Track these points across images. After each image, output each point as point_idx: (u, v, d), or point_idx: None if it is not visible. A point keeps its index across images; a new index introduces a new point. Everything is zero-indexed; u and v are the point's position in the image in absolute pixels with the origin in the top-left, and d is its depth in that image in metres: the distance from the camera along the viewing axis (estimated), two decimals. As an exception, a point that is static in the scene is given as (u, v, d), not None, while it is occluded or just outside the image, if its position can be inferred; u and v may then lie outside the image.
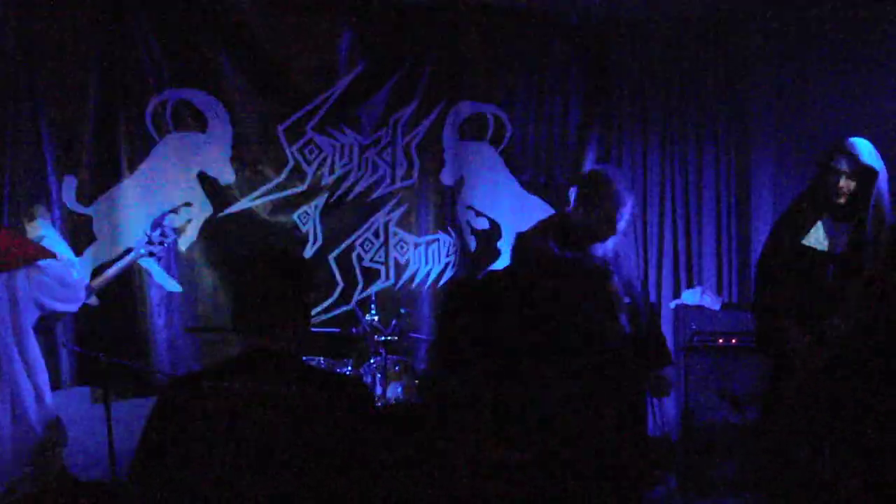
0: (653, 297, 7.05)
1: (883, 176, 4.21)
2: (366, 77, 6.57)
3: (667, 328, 6.92)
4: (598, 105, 7.05)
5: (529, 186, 6.90)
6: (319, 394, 2.45)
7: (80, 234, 6.03)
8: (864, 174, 4.20)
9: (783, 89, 6.87)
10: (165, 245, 5.38)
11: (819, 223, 4.33)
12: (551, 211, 6.87)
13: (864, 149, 4.23)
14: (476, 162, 6.83)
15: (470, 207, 6.83)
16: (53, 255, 4.28)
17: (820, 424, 3.85)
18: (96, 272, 5.85)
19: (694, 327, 6.38)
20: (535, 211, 6.89)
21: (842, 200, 4.25)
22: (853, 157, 4.21)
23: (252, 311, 2.58)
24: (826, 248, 4.30)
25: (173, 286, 6.21)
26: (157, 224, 5.72)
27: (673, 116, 7.14)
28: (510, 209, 6.87)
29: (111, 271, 5.21)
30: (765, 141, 6.98)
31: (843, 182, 4.22)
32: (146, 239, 5.33)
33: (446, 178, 6.75)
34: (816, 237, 4.33)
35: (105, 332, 5.90)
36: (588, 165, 7.01)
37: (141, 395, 5.84)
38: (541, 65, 6.94)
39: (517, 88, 6.91)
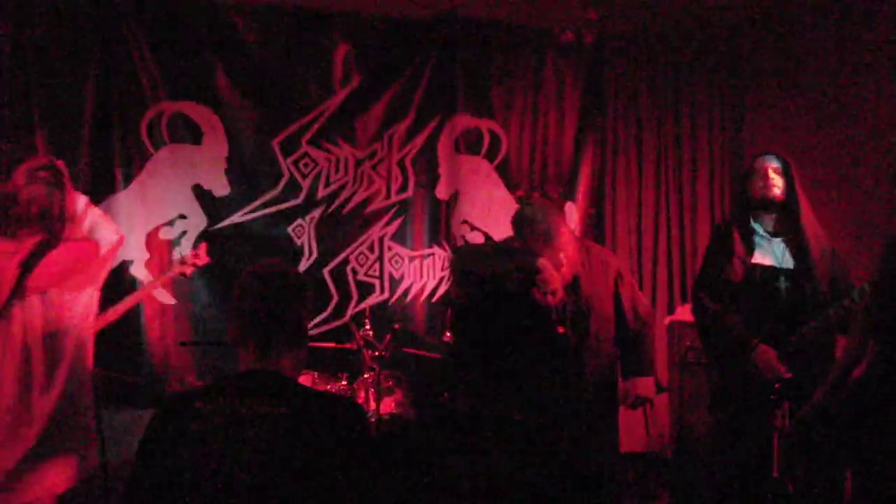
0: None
1: (796, 170, 4.48)
2: (361, 91, 6.58)
3: (661, 344, 6.94)
4: (593, 120, 7.08)
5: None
6: (314, 415, 2.42)
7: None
8: (783, 166, 4.45)
9: (780, 105, 6.88)
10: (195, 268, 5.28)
11: (763, 238, 4.42)
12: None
13: (775, 153, 4.55)
14: (471, 176, 6.84)
15: (465, 222, 6.83)
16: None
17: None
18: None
19: (688, 343, 6.38)
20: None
21: (777, 191, 4.43)
22: (773, 155, 4.51)
23: (251, 330, 2.55)
24: (773, 263, 4.38)
25: (167, 299, 6.19)
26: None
27: (668, 132, 7.16)
28: (505, 224, 6.83)
29: (124, 304, 5.13)
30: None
31: (771, 176, 4.43)
32: (179, 259, 5.27)
33: (441, 192, 6.76)
34: (762, 251, 4.41)
35: (98, 345, 5.87)
36: (583, 180, 7.03)
37: (134, 407, 5.83)
38: (536, 80, 6.97)
39: (513, 103, 6.93)
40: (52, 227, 3.83)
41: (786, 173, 4.43)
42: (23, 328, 3.73)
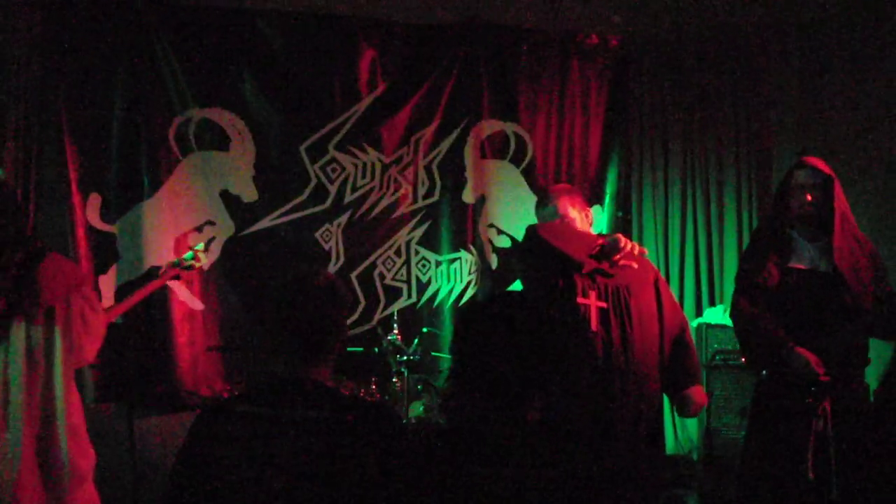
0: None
1: (838, 184, 4.34)
2: (387, 96, 6.60)
3: (689, 346, 6.92)
4: (619, 124, 7.07)
5: (550, 205, 6.90)
6: (352, 421, 2.44)
7: (104, 252, 6.07)
8: (825, 184, 4.32)
9: (805, 108, 6.85)
10: (194, 268, 5.31)
11: (799, 243, 4.39)
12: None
13: (819, 162, 4.40)
14: (497, 180, 6.84)
15: (491, 226, 6.84)
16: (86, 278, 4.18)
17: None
18: (121, 291, 5.93)
19: (716, 346, 6.36)
20: (556, 229, 6.90)
21: (810, 210, 4.34)
22: (813, 170, 4.35)
23: (291, 338, 2.56)
24: (809, 266, 4.35)
25: (196, 304, 6.23)
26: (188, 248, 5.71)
27: (694, 135, 7.13)
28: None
29: (136, 297, 5.16)
30: (786, 158, 6.94)
31: (807, 194, 4.33)
32: (177, 262, 5.30)
33: (468, 196, 6.76)
34: (798, 256, 4.38)
35: (128, 351, 5.92)
36: (609, 184, 7.02)
37: (163, 412, 5.88)
38: (561, 84, 6.96)
39: (538, 107, 6.92)
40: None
41: (824, 187, 4.36)
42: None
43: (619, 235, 4.04)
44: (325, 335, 2.57)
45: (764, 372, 4.36)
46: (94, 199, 6.05)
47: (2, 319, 3.58)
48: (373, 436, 2.42)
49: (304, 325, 2.56)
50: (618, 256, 3.98)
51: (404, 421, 5.35)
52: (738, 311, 4.53)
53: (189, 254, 5.02)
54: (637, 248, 4.04)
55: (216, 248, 6.27)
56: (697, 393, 4.28)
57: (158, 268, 6.04)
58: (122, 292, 5.98)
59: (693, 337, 6.64)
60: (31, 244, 3.64)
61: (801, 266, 4.38)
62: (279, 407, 2.45)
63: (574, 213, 4.18)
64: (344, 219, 6.52)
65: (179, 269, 5.11)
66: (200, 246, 5.12)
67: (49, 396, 3.65)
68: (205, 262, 5.30)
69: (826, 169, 4.36)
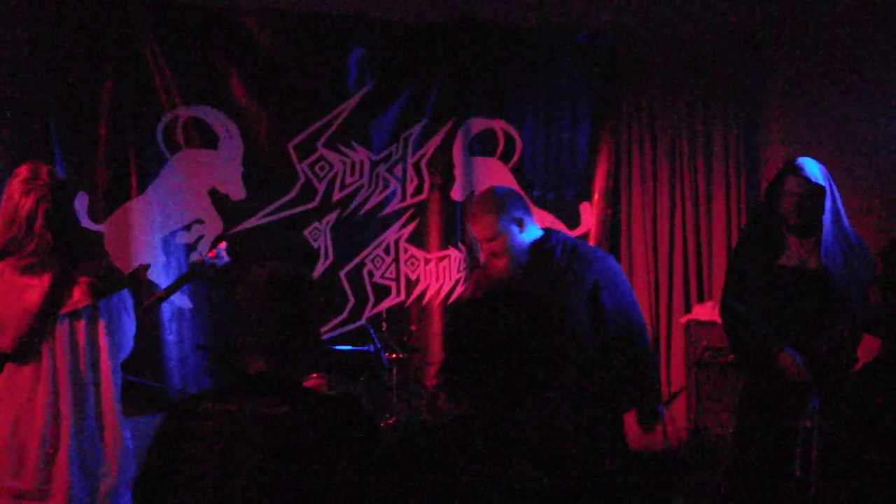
0: (663, 313, 7.05)
1: (829, 194, 4.32)
2: (376, 94, 6.58)
3: (677, 343, 6.94)
4: (608, 121, 7.06)
5: (540, 202, 6.90)
6: (317, 416, 2.47)
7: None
8: (815, 193, 4.31)
9: (795, 106, 6.87)
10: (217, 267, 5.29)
11: (788, 241, 4.39)
12: (561, 226, 6.89)
13: (813, 168, 4.35)
14: (486, 178, 6.81)
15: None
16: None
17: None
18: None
19: (705, 343, 6.37)
20: (545, 226, 6.90)
21: (799, 220, 4.35)
22: (803, 178, 4.32)
23: (258, 334, 2.57)
24: (798, 265, 4.36)
25: (184, 302, 6.22)
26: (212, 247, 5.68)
27: (682, 130, 7.14)
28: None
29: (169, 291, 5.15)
30: (776, 156, 6.96)
31: (797, 202, 4.32)
32: (204, 260, 5.28)
33: (457, 193, 6.76)
34: (788, 254, 4.38)
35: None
36: (598, 181, 7.03)
37: (151, 411, 5.87)
38: (549, 80, 6.95)
39: (527, 105, 6.92)
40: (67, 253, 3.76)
41: (815, 196, 4.34)
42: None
43: None
44: (290, 333, 2.58)
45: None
46: (81, 198, 6.02)
47: (47, 316, 3.65)
48: (339, 433, 2.44)
49: (267, 323, 2.56)
50: None
51: (392, 420, 5.36)
52: (727, 310, 4.55)
53: (220, 253, 5.03)
54: None
55: (205, 247, 6.26)
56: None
57: (147, 266, 6.07)
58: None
59: (682, 333, 6.74)
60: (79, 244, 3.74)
61: (790, 264, 4.40)
62: (244, 404, 2.47)
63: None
64: (332, 217, 6.51)
65: (205, 267, 5.10)
66: (221, 245, 5.13)
67: (95, 393, 3.73)
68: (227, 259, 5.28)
69: (819, 177, 4.34)
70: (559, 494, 2.14)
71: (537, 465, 2.16)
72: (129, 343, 4.02)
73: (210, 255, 5.16)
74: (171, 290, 4.91)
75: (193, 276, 5.06)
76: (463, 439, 2.25)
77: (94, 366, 3.80)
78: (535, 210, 6.76)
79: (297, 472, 2.39)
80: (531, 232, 4.24)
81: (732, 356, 5.86)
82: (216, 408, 2.48)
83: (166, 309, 6.13)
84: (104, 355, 3.82)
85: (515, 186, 6.78)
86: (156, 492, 2.49)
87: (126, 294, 4.01)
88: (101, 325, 3.84)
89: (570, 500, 2.15)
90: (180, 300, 6.17)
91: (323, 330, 6.40)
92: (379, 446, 2.46)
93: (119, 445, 3.91)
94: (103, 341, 3.83)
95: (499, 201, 4.19)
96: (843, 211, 4.41)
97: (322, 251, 6.49)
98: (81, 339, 3.77)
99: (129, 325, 4.03)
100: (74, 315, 3.76)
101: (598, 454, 2.27)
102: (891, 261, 3.26)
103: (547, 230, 4.37)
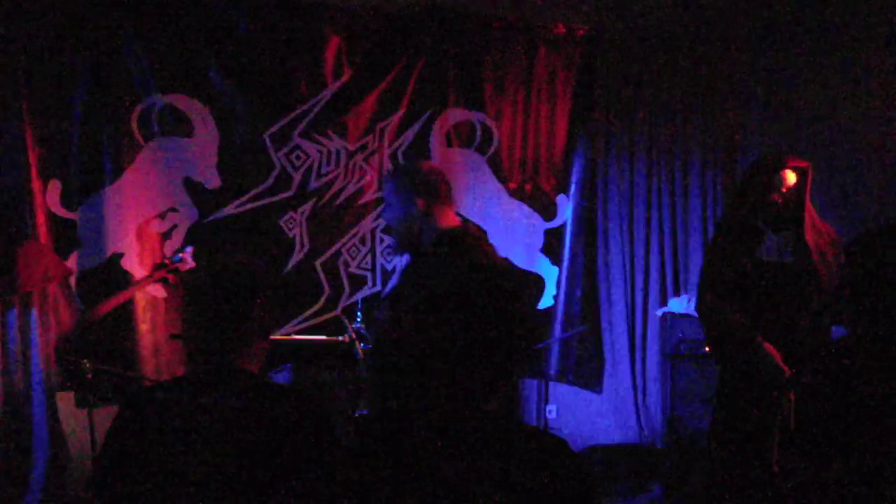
0: (639, 305, 7.07)
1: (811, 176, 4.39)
2: (353, 84, 6.56)
3: (653, 336, 6.95)
4: (585, 114, 7.07)
5: (516, 194, 6.92)
6: (267, 406, 2.48)
7: (64, 240, 6.00)
8: (800, 178, 4.37)
9: (770, 100, 6.89)
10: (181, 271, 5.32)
11: (765, 235, 4.40)
12: (538, 218, 6.89)
13: (793, 159, 4.44)
14: (463, 169, 6.82)
15: (457, 214, 6.80)
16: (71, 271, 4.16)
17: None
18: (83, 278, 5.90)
19: (680, 335, 6.39)
20: (521, 218, 6.91)
21: (787, 210, 4.39)
22: (790, 171, 4.38)
23: (205, 328, 2.60)
24: (776, 258, 4.37)
25: (158, 292, 6.18)
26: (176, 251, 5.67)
27: (659, 125, 7.15)
28: (497, 216, 6.88)
29: (117, 299, 5.13)
30: (751, 150, 6.98)
31: (789, 193, 4.37)
32: (164, 264, 5.30)
33: (433, 184, 6.73)
34: (764, 248, 4.39)
35: (89, 338, 5.86)
36: (575, 173, 7.04)
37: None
38: (528, 73, 6.95)
39: (504, 96, 6.92)
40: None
41: (799, 186, 4.36)
42: None
43: None
44: (239, 324, 2.59)
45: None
46: (55, 186, 5.97)
47: None
48: (292, 424, 2.45)
49: (215, 315, 2.58)
50: None
51: (363, 409, 5.33)
52: (704, 305, 4.55)
53: (177, 256, 5.02)
54: None
55: (179, 236, 6.22)
56: None
57: (121, 255, 6.05)
58: (83, 280, 5.94)
59: (658, 326, 6.76)
60: (10, 229, 3.65)
61: (768, 259, 4.40)
62: (198, 395, 2.49)
63: None
64: (308, 206, 6.48)
65: (166, 271, 5.12)
66: (188, 249, 5.13)
67: (25, 379, 3.67)
68: (192, 264, 5.31)
69: (804, 163, 4.39)
70: (522, 488, 2.13)
71: (500, 456, 2.15)
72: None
73: (176, 259, 5.17)
74: (128, 294, 4.91)
75: (151, 279, 5.07)
76: (428, 431, 2.23)
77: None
78: (511, 202, 6.81)
79: (251, 462, 2.40)
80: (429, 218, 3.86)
81: (708, 349, 5.88)
82: (169, 399, 2.49)
83: (140, 298, 6.09)
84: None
85: (492, 178, 6.80)
86: (111, 483, 2.49)
87: None
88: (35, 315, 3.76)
89: (535, 492, 2.14)
90: (154, 289, 6.13)
91: (297, 321, 6.39)
92: (332, 438, 2.48)
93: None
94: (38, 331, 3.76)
95: (400, 171, 4.10)
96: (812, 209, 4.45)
97: (297, 241, 6.46)
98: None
99: None
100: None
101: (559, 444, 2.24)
102: (856, 254, 3.26)
103: (457, 228, 3.94)
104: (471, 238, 3.90)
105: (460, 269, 3.50)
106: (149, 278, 5.26)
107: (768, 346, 4.21)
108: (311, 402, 2.55)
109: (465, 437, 2.18)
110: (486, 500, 2.09)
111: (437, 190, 3.85)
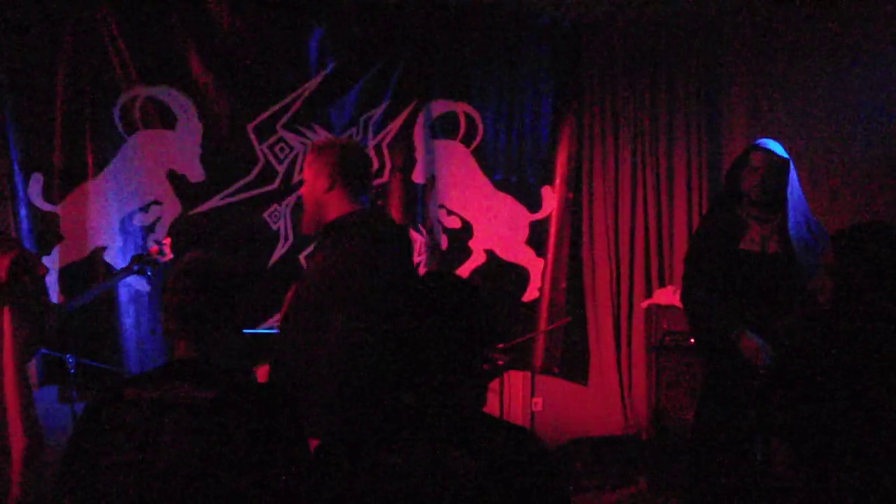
0: (624, 297, 7.07)
1: (792, 169, 4.38)
2: (336, 75, 6.53)
3: (638, 327, 6.96)
4: (570, 104, 7.07)
5: (501, 185, 6.91)
6: (239, 401, 2.47)
7: (47, 233, 5.96)
8: (780, 166, 4.35)
9: (756, 89, 6.89)
10: (159, 264, 5.30)
11: (748, 224, 4.41)
12: (523, 210, 6.89)
13: (775, 145, 4.41)
14: (448, 161, 6.82)
15: (441, 206, 6.82)
16: (41, 264, 4.09)
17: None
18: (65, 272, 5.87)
19: (665, 327, 6.39)
20: (506, 210, 6.91)
21: (763, 197, 4.38)
22: (768, 152, 4.37)
23: (179, 322, 2.58)
24: (759, 249, 4.37)
25: (142, 285, 6.15)
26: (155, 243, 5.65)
27: (644, 115, 7.14)
28: (482, 208, 6.87)
29: (93, 293, 5.11)
30: (737, 140, 6.97)
31: (761, 176, 4.35)
32: (141, 256, 5.27)
33: (418, 176, 6.73)
34: (749, 239, 4.40)
35: (73, 332, 5.83)
36: (560, 164, 7.04)
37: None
38: (512, 64, 6.94)
39: (489, 87, 6.91)
40: None
41: (779, 171, 4.37)
42: None
43: None
44: (208, 318, 2.58)
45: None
46: (37, 179, 5.94)
47: None
48: (263, 420, 2.44)
49: (185, 309, 2.57)
50: None
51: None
52: (688, 295, 4.55)
53: (159, 249, 5.00)
54: None
55: (163, 230, 6.18)
56: None
57: (103, 248, 6.01)
58: (66, 273, 5.91)
59: (643, 317, 6.75)
60: None
61: (751, 248, 4.40)
62: (168, 390, 2.47)
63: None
64: (292, 199, 6.45)
65: (144, 263, 5.09)
66: (166, 241, 5.10)
67: None
68: (170, 255, 5.29)
69: (782, 151, 4.39)
70: (493, 478, 2.13)
71: (472, 450, 2.15)
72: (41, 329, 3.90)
73: (152, 250, 5.14)
74: (106, 286, 4.87)
75: (130, 272, 5.05)
76: (395, 426, 2.23)
77: None
78: (496, 193, 6.81)
79: (221, 459, 2.38)
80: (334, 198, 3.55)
81: (693, 340, 5.88)
82: (138, 395, 2.47)
83: (123, 292, 6.07)
84: (6, 340, 3.71)
85: (477, 169, 6.79)
86: (76, 481, 2.48)
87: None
88: (5, 311, 3.72)
89: (505, 483, 2.14)
90: (138, 283, 6.10)
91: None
92: (303, 434, 2.48)
93: (28, 430, 3.82)
94: (6, 327, 3.71)
95: (320, 144, 3.72)
96: (801, 191, 4.44)
97: (282, 233, 6.44)
98: None
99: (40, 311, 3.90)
100: None
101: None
102: (843, 248, 3.26)
103: (345, 217, 3.51)
104: (355, 229, 3.45)
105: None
106: (127, 270, 5.22)
107: (749, 339, 4.21)
108: (285, 399, 2.54)
109: (433, 430, 2.18)
110: (455, 493, 2.10)
111: (346, 171, 3.51)
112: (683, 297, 4.62)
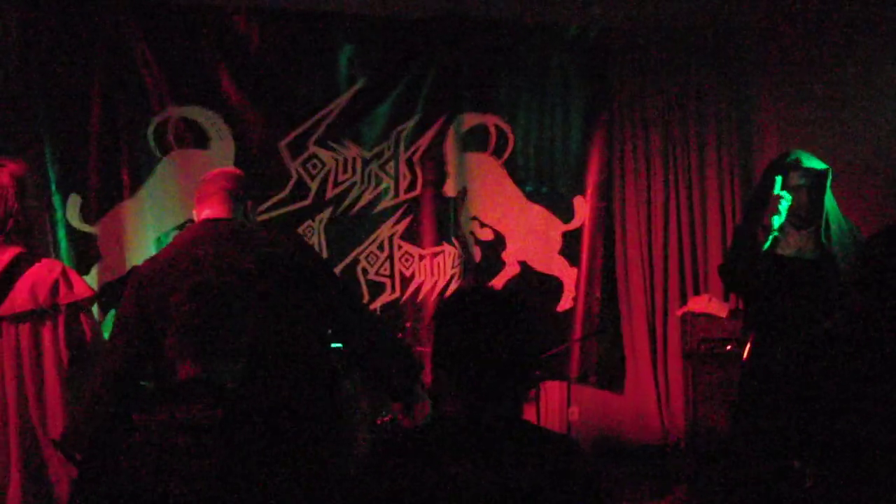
0: (658, 305, 7.05)
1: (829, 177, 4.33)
2: (367, 91, 6.58)
3: (674, 335, 6.93)
4: (600, 115, 7.04)
5: (533, 196, 6.91)
6: (249, 420, 2.47)
7: (85, 253, 6.04)
8: (821, 180, 4.30)
9: (787, 95, 6.86)
10: None
11: (787, 231, 4.38)
12: (555, 220, 6.89)
13: (812, 159, 4.36)
14: (479, 173, 6.84)
15: (474, 218, 6.83)
16: (93, 292, 4.10)
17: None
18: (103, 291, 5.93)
19: (701, 334, 6.37)
20: (538, 221, 6.90)
21: (802, 213, 4.34)
22: (808, 170, 4.31)
23: (186, 343, 2.59)
24: (799, 255, 4.35)
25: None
26: None
27: (675, 124, 7.12)
28: (514, 220, 6.88)
29: None
30: (769, 146, 6.95)
31: (803, 195, 4.31)
32: None
33: (450, 189, 6.75)
34: (787, 245, 4.37)
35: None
36: (591, 174, 7.02)
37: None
38: (541, 76, 6.95)
39: (519, 99, 6.92)
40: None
41: (818, 183, 4.33)
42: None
43: None
44: (214, 339, 2.59)
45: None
46: (74, 200, 6.02)
47: None
48: (275, 439, 2.45)
49: (191, 330, 2.58)
50: None
51: (385, 416, 5.34)
52: (727, 273, 4.57)
53: None
54: None
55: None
56: None
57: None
58: (104, 293, 5.97)
59: (678, 325, 6.73)
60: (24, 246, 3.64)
61: (788, 253, 4.38)
62: (174, 412, 2.46)
63: None
64: (326, 215, 6.50)
65: None
66: None
67: (40, 400, 3.63)
68: None
69: (819, 164, 4.34)
70: (540, 492, 2.14)
71: (519, 463, 2.15)
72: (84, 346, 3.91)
73: None
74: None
75: None
76: (446, 439, 2.23)
77: (37, 370, 3.69)
78: (529, 205, 6.81)
79: (234, 479, 2.39)
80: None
81: (729, 347, 5.87)
82: (144, 419, 2.46)
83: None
84: (48, 360, 3.72)
85: (508, 181, 6.81)
86: None
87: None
88: (47, 329, 3.73)
89: (552, 496, 2.15)
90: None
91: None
92: (317, 451, 2.47)
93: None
94: (48, 346, 3.73)
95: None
96: (834, 199, 4.42)
97: (315, 249, 6.47)
98: (25, 342, 3.68)
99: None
100: (18, 319, 3.66)
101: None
102: (876, 250, 3.23)
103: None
104: (178, 239, 3.69)
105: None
106: None
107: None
108: (295, 416, 2.55)
109: (478, 441, 2.20)
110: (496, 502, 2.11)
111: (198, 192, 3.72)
112: (720, 271, 4.64)
